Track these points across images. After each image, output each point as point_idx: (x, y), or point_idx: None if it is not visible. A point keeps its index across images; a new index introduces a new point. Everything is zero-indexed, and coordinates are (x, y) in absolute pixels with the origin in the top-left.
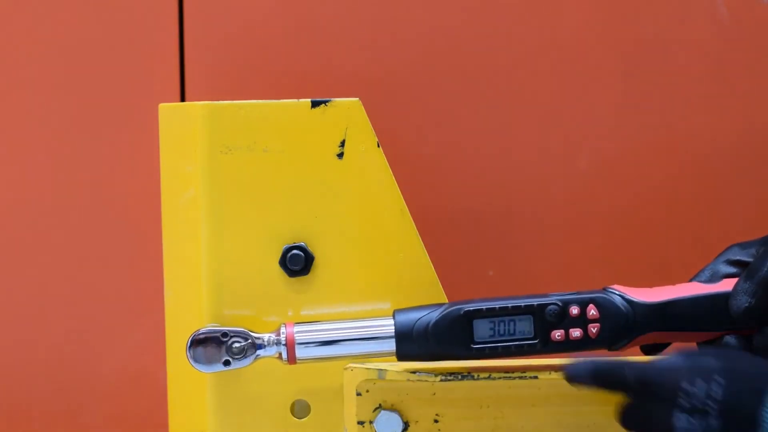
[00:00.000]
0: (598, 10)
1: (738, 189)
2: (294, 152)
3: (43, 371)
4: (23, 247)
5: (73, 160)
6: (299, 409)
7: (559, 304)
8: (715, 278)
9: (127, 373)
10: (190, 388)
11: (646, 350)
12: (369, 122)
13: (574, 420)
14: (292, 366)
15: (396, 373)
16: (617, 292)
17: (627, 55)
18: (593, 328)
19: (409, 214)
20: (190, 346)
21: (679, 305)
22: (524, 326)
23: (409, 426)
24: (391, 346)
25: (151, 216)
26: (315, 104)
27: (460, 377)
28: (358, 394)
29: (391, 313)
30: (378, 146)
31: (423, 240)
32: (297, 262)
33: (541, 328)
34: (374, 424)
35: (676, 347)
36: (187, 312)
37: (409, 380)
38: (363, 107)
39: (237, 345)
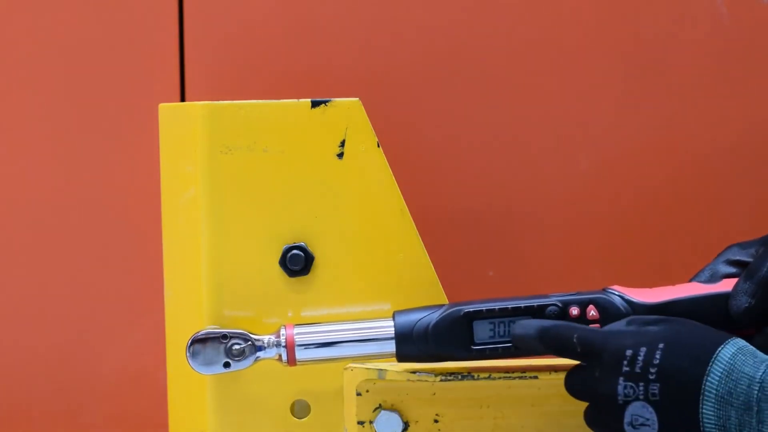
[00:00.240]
0: (598, 10)
1: (738, 189)
2: (294, 152)
3: (43, 371)
4: (23, 247)
5: (73, 160)
6: (299, 409)
7: (559, 305)
8: (714, 278)
9: (127, 373)
10: (190, 388)
11: None
12: (369, 122)
13: (574, 420)
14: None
15: (396, 373)
16: (617, 293)
17: (627, 55)
18: None
19: (409, 214)
20: (189, 348)
21: (679, 305)
22: None
23: (409, 426)
24: (391, 347)
25: (151, 216)
26: (315, 104)
27: (460, 377)
28: (358, 394)
29: (390, 312)
30: (378, 146)
31: (423, 240)
32: (297, 262)
33: None
34: (374, 424)
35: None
36: (187, 312)
37: (409, 380)
38: (363, 107)
39: (237, 347)
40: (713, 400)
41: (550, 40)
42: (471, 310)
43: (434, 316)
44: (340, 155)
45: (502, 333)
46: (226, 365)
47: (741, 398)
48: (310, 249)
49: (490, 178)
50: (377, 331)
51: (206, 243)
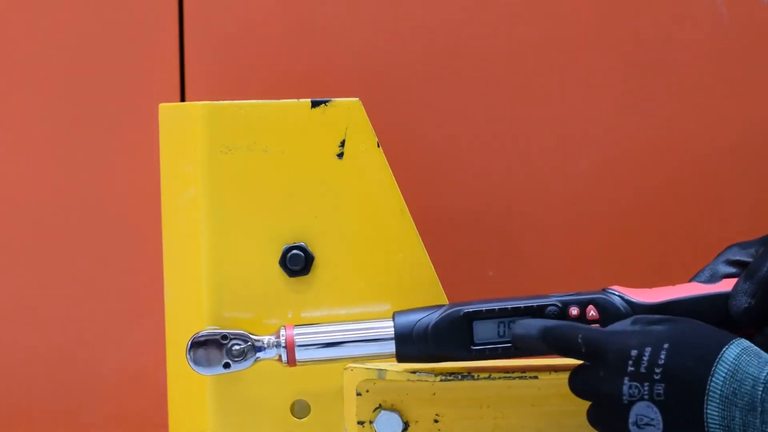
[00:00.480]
0: (598, 10)
1: (738, 189)
2: (294, 152)
3: (43, 371)
4: (23, 247)
5: (73, 160)
6: (299, 410)
7: (559, 305)
8: (714, 278)
9: (127, 373)
10: (190, 388)
11: None
12: (369, 122)
13: (574, 420)
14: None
15: (396, 373)
16: (617, 293)
17: (627, 55)
18: None
19: (409, 214)
20: (189, 349)
21: (679, 306)
22: None
23: (409, 426)
24: (390, 348)
25: (151, 216)
26: (315, 104)
27: (460, 377)
28: (358, 394)
29: (390, 313)
30: (378, 146)
31: (423, 240)
32: (297, 262)
33: None
34: (374, 424)
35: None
36: (187, 312)
37: (409, 380)
38: (363, 107)
39: (237, 347)
40: (717, 401)
41: (550, 40)
42: (471, 310)
43: (434, 316)
44: (340, 155)
45: (502, 333)
46: (226, 366)
47: (745, 398)
48: (310, 249)
49: (490, 178)
50: (377, 332)
51: (206, 243)
